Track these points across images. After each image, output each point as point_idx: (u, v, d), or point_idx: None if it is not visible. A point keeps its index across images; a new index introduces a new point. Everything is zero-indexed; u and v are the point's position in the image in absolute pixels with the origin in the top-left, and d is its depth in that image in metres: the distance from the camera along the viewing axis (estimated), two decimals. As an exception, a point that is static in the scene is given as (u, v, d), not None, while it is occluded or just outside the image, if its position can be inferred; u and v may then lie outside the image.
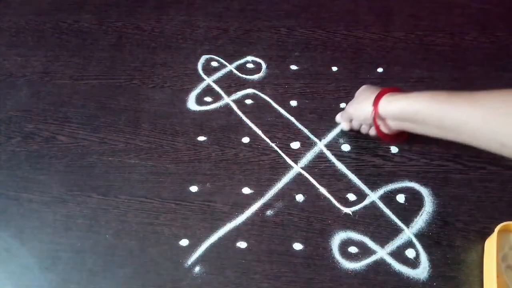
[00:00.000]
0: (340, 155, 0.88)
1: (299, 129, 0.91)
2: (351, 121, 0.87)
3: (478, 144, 0.62)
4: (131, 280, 0.78)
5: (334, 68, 0.98)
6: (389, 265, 0.77)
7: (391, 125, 0.76)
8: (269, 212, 0.82)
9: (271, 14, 1.07)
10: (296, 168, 0.86)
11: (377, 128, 0.78)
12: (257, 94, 0.96)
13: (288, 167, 0.87)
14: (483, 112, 0.60)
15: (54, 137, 0.93)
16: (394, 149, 0.87)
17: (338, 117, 0.89)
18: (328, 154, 0.88)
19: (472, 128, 0.61)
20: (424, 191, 0.83)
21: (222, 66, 1.00)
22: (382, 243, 0.79)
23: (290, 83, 0.97)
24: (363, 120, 0.82)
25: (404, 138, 0.82)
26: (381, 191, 0.83)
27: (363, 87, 0.85)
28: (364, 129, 0.85)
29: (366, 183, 0.84)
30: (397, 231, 0.79)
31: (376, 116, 0.76)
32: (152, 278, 0.78)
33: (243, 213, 0.83)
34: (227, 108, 0.94)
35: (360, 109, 0.80)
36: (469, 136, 0.62)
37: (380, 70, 0.97)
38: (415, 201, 0.82)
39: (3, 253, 0.81)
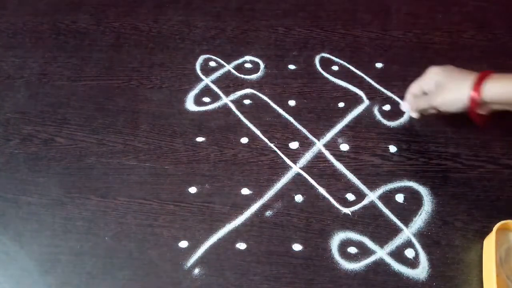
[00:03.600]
0: (339, 155, 0.87)
1: (298, 129, 0.91)
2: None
3: None
4: (131, 283, 0.78)
5: (333, 67, 0.98)
6: (388, 265, 0.77)
7: (491, 109, 0.74)
8: (268, 213, 0.82)
9: (268, 14, 1.07)
10: (295, 168, 0.86)
11: (474, 114, 0.74)
12: (255, 94, 0.95)
13: (287, 167, 0.87)
14: None
15: (52, 139, 0.93)
16: (392, 149, 0.87)
17: (406, 107, 0.85)
18: (327, 154, 0.88)
19: None
20: (423, 191, 0.83)
21: (220, 66, 1.00)
22: (381, 243, 0.79)
23: (288, 83, 0.97)
24: (456, 109, 0.75)
25: (486, 119, 0.77)
26: (380, 191, 0.83)
27: (437, 72, 0.78)
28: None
29: (365, 183, 0.84)
30: (396, 231, 0.80)
31: (476, 102, 0.72)
32: (152, 280, 0.78)
33: (242, 214, 0.83)
34: (225, 108, 0.94)
35: (455, 98, 0.74)
36: None
37: (378, 68, 0.97)
38: (414, 200, 0.82)
39: (2, 256, 0.81)
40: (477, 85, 0.71)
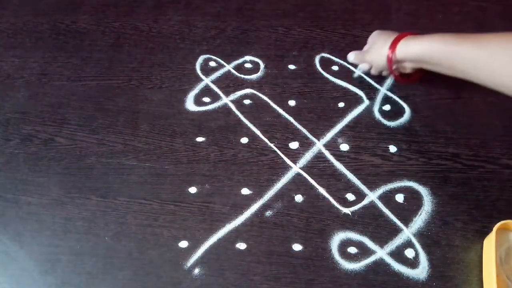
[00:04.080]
0: (339, 155, 0.87)
1: (298, 129, 0.91)
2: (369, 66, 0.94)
3: (483, 82, 0.69)
4: (131, 282, 0.78)
5: (333, 67, 0.98)
6: (388, 265, 0.77)
7: (407, 67, 0.85)
8: (268, 213, 0.82)
9: (268, 14, 1.07)
10: (295, 168, 0.86)
11: (392, 70, 0.86)
12: (255, 94, 0.95)
13: (287, 167, 0.87)
14: (487, 53, 0.67)
15: (52, 139, 0.93)
16: (392, 149, 0.87)
17: (352, 58, 0.95)
18: (327, 154, 0.88)
19: (477, 69, 0.69)
20: (423, 191, 0.83)
21: (220, 66, 1.00)
22: (381, 243, 0.79)
23: (288, 83, 0.97)
24: (382, 67, 0.89)
25: (417, 77, 0.90)
26: (380, 191, 0.83)
27: (376, 33, 0.91)
28: (383, 73, 0.94)
29: (365, 183, 0.84)
30: (396, 231, 0.80)
31: (391, 60, 0.83)
32: (152, 280, 0.78)
33: (242, 214, 0.83)
34: (225, 108, 0.94)
35: (379, 55, 0.86)
36: (475, 76, 0.70)
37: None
38: (414, 200, 0.82)
39: (2, 256, 0.81)
40: (393, 45, 0.82)
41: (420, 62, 0.80)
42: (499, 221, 0.74)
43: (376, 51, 0.88)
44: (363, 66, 0.94)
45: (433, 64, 0.77)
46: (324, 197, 0.83)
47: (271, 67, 0.99)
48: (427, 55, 0.77)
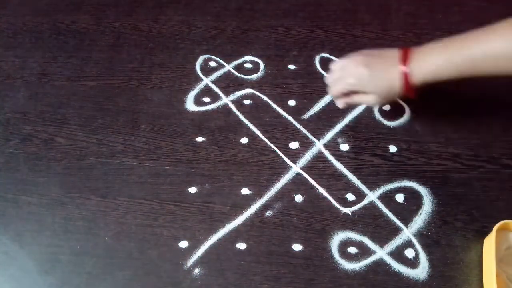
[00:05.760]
0: (339, 155, 0.87)
1: (298, 129, 0.91)
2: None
3: None
4: (131, 283, 0.78)
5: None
6: (388, 265, 0.77)
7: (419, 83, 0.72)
8: (268, 213, 0.82)
9: (268, 14, 1.07)
10: (295, 168, 0.86)
11: (409, 89, 0.72)
12: (255, 94, 0.95)
13: (287, 167, 0.87)
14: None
15: (52, 139, 0.93)
16: (392, 149, 0.87)
17: (342, 105, 0.81)
18: (327, 154, 0.88)
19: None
20: (423, 191, 0.83)
21: (220, 66, 1.00)
22: (381, 243, 0.79)
23: (288, 83, 0.97)
24: (391, 92, 0.74)
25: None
26: (380, 191, 0.83)
27: (353, 59, 0.76)
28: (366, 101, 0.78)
29: (365, 183, 0.84)
30: (396, 231, 0.79)
31: (408, 77, 0.70)
32: (152, 280, 0.78)
33: (242, 214, 0.83)
34: (225, 108, 0.94)
35: (385, 80, 0.73)
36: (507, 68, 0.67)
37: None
38: (414, 200, 0.82)
39: (2, 256, 0.81)
40: (404, 62, 0.70)
41: (440, 75, 0.71)
42: (499, 221, 0.74)
43: (377, 78, 0.74)
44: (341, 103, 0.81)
45: (455, 74, 0.70)
46: (324, 197, 0.83)
47: (271, 67, 0.99)
48: (449, 66, 0.70)
